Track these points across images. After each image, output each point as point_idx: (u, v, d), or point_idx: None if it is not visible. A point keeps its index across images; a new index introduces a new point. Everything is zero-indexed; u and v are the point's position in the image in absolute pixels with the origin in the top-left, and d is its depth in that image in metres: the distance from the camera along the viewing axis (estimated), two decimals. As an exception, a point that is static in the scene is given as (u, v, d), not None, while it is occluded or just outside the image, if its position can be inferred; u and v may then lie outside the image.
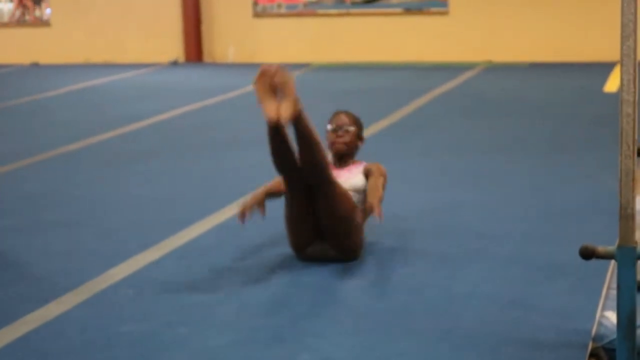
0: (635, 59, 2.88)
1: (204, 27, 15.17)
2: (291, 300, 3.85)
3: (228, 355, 3.28)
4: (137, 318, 3.65)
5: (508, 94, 10.52)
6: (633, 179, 2.88)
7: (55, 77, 13.64)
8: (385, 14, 14.38)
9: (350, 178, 4.43)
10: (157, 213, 5.41)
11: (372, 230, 4.66)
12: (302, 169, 4.14)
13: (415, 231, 4.81)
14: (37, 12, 16.26)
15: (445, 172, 6.36)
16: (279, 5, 14.87)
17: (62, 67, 15.15)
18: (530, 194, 5.59)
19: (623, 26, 2.84)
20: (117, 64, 15.26)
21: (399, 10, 14.31)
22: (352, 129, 4.52)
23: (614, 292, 3.59)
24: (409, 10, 14.26)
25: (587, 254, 2.96)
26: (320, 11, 14.70)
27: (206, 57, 15.25)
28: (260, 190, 4.46)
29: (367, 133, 5.15)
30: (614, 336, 3.16)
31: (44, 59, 15.86)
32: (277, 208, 4.46)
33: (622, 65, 2.87)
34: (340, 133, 4.50)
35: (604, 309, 3.54)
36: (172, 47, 15.27)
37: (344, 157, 4.55)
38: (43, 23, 16.23)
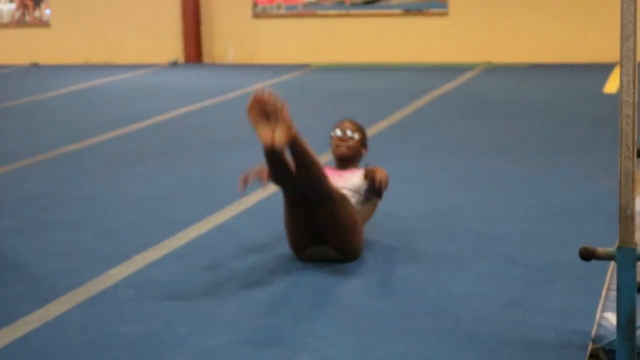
0: (634, 60, 2.88)
1: (204, 28, 15.18)
2: (291, 301, 3.85)
3: (228, 355, 3.28)
4: (137, 318, 3.65)
5: (508, 95, 10.52)
6: (633, 180, 2.88)
7: (55, 77, 13.65)
8: (385, 14, 14.39)
9: (351, 178, 4.46)
10: (157, 213, 5.41)
11: (372, 230, 4.67)
12: (301, 184, 4.16)
13: (415, 232, 4.82)
14: (37, 13, 16.26)
15: (445, 172, 6.36)
16: (279, 6, 14.87)
17: (62, 67, 15.16)
18: (530, 195, 5.59)
19: (623, 27, 2.84)
20: (117, 64, 15.27)
21: (398, 11, 14.32)
22: (356, 136, 4.60)
23: (613, 293, 3.60)
24: (408, 11, 14.26)
25: (587, 255, 2.97)
26: (320, 12, 14.70)
27: (206, 58, 15.25)
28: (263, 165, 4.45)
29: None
30: (614, 337, 3.16)
31: (44, 59, 15.87)
32: (277, 208, 4.47)
33: (621, 67, 2.87)
34: (344, 138, 4.57)
35: (603, 309, 3.54)
36: (172, 47, 15.28)
37: (347, 162, 4.59)
38: (43, 24, 16.24)
